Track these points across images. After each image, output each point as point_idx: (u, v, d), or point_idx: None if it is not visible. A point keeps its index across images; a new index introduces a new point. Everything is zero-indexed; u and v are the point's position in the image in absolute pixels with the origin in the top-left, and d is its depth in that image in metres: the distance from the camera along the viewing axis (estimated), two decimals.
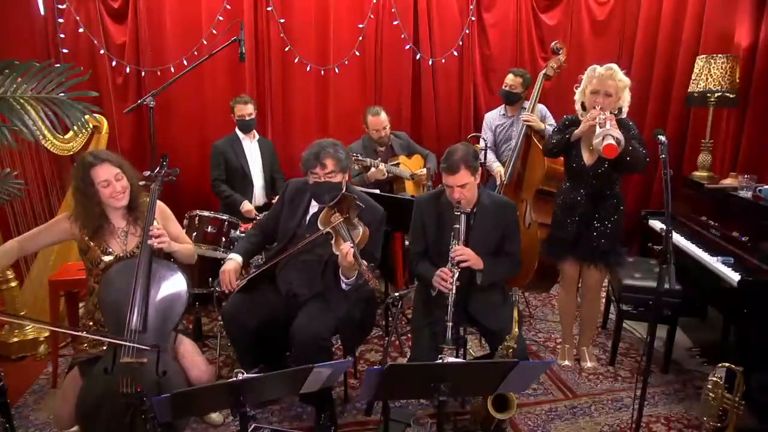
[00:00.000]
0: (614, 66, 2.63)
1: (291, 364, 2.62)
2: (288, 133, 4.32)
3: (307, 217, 2.54)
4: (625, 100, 2.66)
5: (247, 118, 3.68)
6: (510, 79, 3.80)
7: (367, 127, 3.78)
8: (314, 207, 2.53)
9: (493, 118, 3.97)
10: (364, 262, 2.23)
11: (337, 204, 2.42)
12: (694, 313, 3.40)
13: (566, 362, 3.09)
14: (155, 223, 2.19)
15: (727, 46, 3.78)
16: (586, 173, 2.75)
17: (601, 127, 2.47)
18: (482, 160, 3.51)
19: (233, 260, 2.47)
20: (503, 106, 3.93)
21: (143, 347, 1.96)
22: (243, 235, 3.09)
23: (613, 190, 2.79)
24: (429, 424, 2.47)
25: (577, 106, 2.77)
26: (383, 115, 3.74)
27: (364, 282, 2.28)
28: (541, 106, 3.79)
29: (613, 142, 2.40)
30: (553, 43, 3.84)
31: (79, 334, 2.15)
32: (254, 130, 3.80)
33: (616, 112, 2.64)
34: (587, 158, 2.74)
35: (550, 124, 3.71)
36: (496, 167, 3.81)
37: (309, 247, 2.42)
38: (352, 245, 2.23)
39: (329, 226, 2.35)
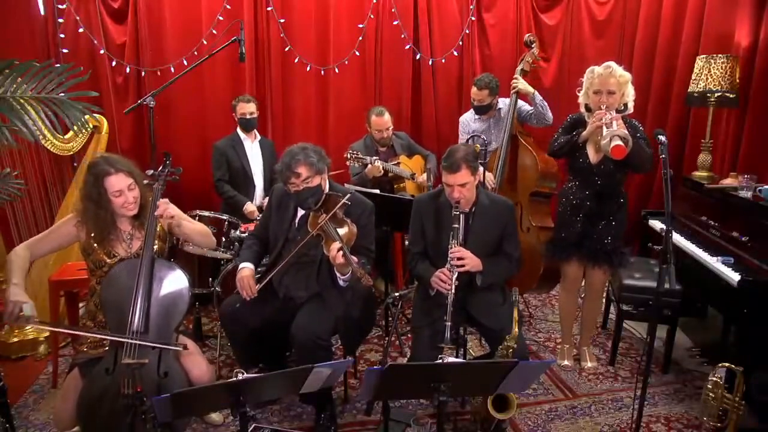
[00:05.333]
0: (612, 63, 2.62)
1: (291, 364, 2.63)
2: (288, 133, 4.32)
3: (296, 221, 2.54)
4: (629, 95, 2.65)
5: (248, 117, 3.67)
6: (475, 93, 3.64)
7: (369, 126, 3.78)
8: (302, 210, 2.53)
9: (468, 121, 3.83)
10: (354, 259, 2.23)
11: (322, 205, 2.42)
12: (694, 313, 3.40)
13: (566, 362, 3.09)
14: (158, 221, 2.19)
15: (727, 46, 3.77)
16: (592, 172, 2.74)
17: (607, 128, 2.47)
18: (482, 160, 3.47)
19: (246, 268, 2.47)
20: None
21: (164, 346, 1.97)
22: (244, 235, 3.10)
23: (618, 189, 2.79)
24: (429, 424, 2.47)
25: (582, 109, 2.76)
26: (387, 116, 3.73)
27: (357, 279, 2.27)
28: (520, 103, 3.64)
29: (620, 143, 2.40)
30: (526, 36, 3.72)
31: (125, 339, 2.02)
32: (255, 131, 3.80)
33: (622, 108, 2.64)
34: (593, 157, 2.73)
35: (528, 110, 3.63)
36: (487, 175, 3.63)
37: (303, 250, 2.42)
38: (340, 244, 2.23)
39: (317, 228, 2.34)
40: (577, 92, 2.78)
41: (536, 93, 3.54)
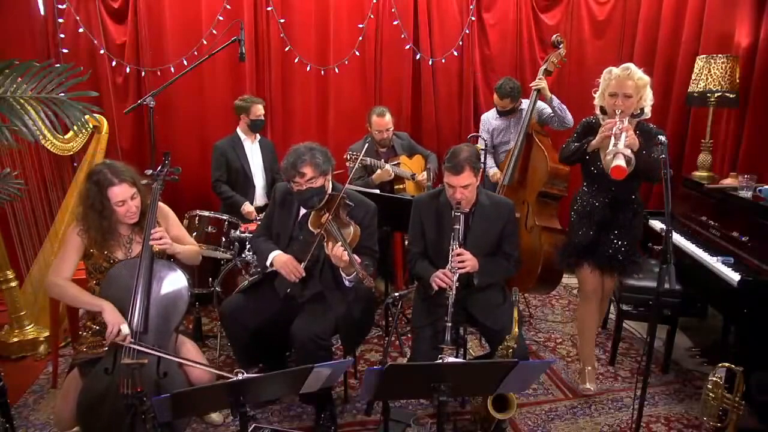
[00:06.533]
0: (631, 65, 2.49)
1: (291, 364, 2.63)
2: (288, 134, 4.32)
3: (299, 220, 2.54)
4: (647, 99, 2.51)
5: (262, 118, 3.72)
6: (497, 101, 3.73)
7: (370, 126, 3.78)
8: (304, 209, 2.53)
9: (489, 119, 3.91)
10: (357, 259, 2.24)
11: (325, 204, 2.42)
12: (694, 313, 3.40)
13: (588, 386, 2.79)
14: (157, 225, 2.19)
15: (727, 46, 3.77)
16: (606, 179, 2.56)
17: (616, 139, 2.36)
18: (483, 161, 3.48)
19: (280, 254, 2.46)
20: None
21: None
22: (243, 235, 3.10)
23: (632, 196, 2.68)
24: (429, 424, 2.47)
25: (597, 111, 2.64)
26: (388, 116, 3.73)
27: (360, 280, 2.28)
28: (543, 105, 3.73)
29: (622, 163, 2.28)
30: (553, 37, 3.71)
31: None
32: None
33: (638, 113, 2.52)
34: (607, 163, 2.53)
35: (549, 113, 3.69)
36: (492, 171, 3.74)
37: (315, 251, 2.42)
38: (342, 245, 2.23)
39: (320, 228, 2.34)
40: (593, 93, 2.63)
41: (554, 97, 3.57)
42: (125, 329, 2.00)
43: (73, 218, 2.29)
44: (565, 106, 3.64)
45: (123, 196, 2.14)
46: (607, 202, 2.66)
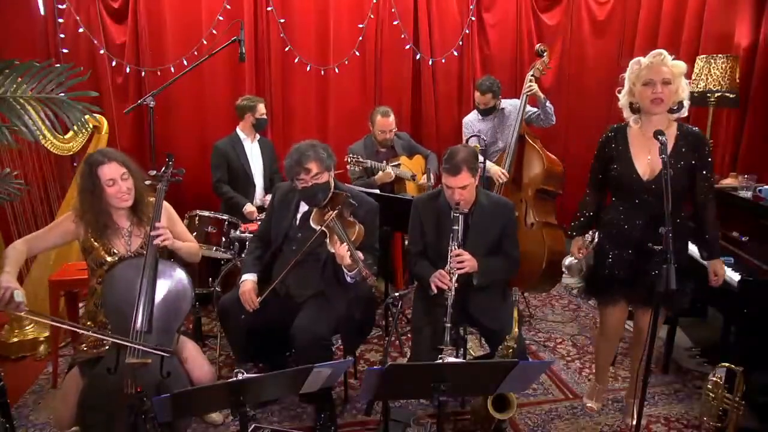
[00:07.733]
0: (663, 51, 2.19)
1: (291, 364, 2.63)
2: (288, 134, 4.33)
3: (298, 217, 2.55)
4: (686, 90, 2.15)
5: (266, 116, 3.75)
6: (478, 97, 3.75)
7: (372, 125, 3.77)
8: (304, 206, 2.54)
9: (472, 122, 3.89)
10: (361, 256, 2.25)
11: (329, 202, 2.43)
12: (694, 313, 3.40)
13: (592, 404, 2.65)
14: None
15: (727, 46, 3.77)
16: (643, 191, 2.18)
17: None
18: (481, 161, 3.49)
19: (247, 280, 2.48)
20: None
21: (157, 351, 1.96)
22: (244, 235, 3.10)
23: (679, 211, 2.17)
24: (429, 424, 2.47)
25: (626, 114, 2.26)
26: (392, 117, 3.73)
27: (363, 278, 2.28)
28: (528, 108, 3.75)
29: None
30: (537, 46, 3.79)
31: (106, 336, 2.02)
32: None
33: (675, 108, 2.18)
34: (644, 171, 2.18)
35: (533, 113, 3.75)
36: (493, 168, 3.69)
37: (308, 249, 2.42)
38: (347, 244, 2.24)
39: (323, 224, 2.35)
40: (617, 93, 2.29)
41: (547, 99, 3.65)
42: (18, 296, 1.93)
43: None
44: (552, 107, 3.74)
45: (112, 174, 2.14)
46: (645, 223, 2.21)
